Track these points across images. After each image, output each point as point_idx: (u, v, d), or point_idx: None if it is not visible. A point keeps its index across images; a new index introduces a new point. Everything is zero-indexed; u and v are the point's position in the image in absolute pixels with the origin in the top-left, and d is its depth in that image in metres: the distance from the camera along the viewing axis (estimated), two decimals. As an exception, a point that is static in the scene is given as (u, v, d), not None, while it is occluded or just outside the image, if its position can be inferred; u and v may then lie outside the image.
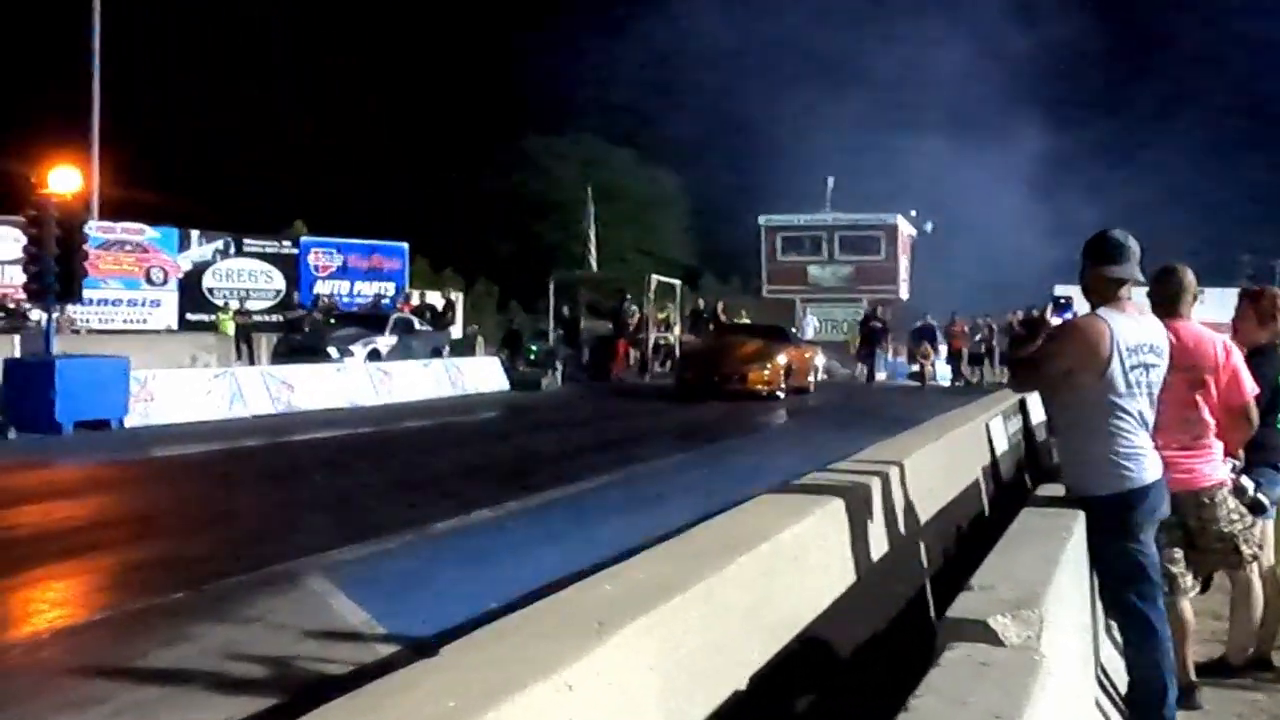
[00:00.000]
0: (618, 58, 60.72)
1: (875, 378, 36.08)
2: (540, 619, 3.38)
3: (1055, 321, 5.83)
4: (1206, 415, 6.22)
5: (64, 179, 17.37)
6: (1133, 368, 5.36)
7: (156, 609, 7.47)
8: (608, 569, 4.02)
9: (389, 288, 39.36)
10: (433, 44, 62.77)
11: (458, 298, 39.61)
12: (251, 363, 29.07)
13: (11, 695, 5.89)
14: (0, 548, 9.28)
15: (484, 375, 27.70)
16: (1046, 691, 3.08)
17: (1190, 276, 6.46)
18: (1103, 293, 5.48)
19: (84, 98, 34.08)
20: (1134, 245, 5.50)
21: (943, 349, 36.20)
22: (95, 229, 29.62)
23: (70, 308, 24.14)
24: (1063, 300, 5.90)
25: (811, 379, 28.79)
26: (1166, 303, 6.37)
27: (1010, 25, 56.06)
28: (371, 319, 30.05)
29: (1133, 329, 5.40)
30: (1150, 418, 5.48)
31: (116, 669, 6.26)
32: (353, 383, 23.32)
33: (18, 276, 22.42)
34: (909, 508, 6.88)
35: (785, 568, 4.71)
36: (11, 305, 28.43)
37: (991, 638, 3.48)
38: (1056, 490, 6.07)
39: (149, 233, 34.74)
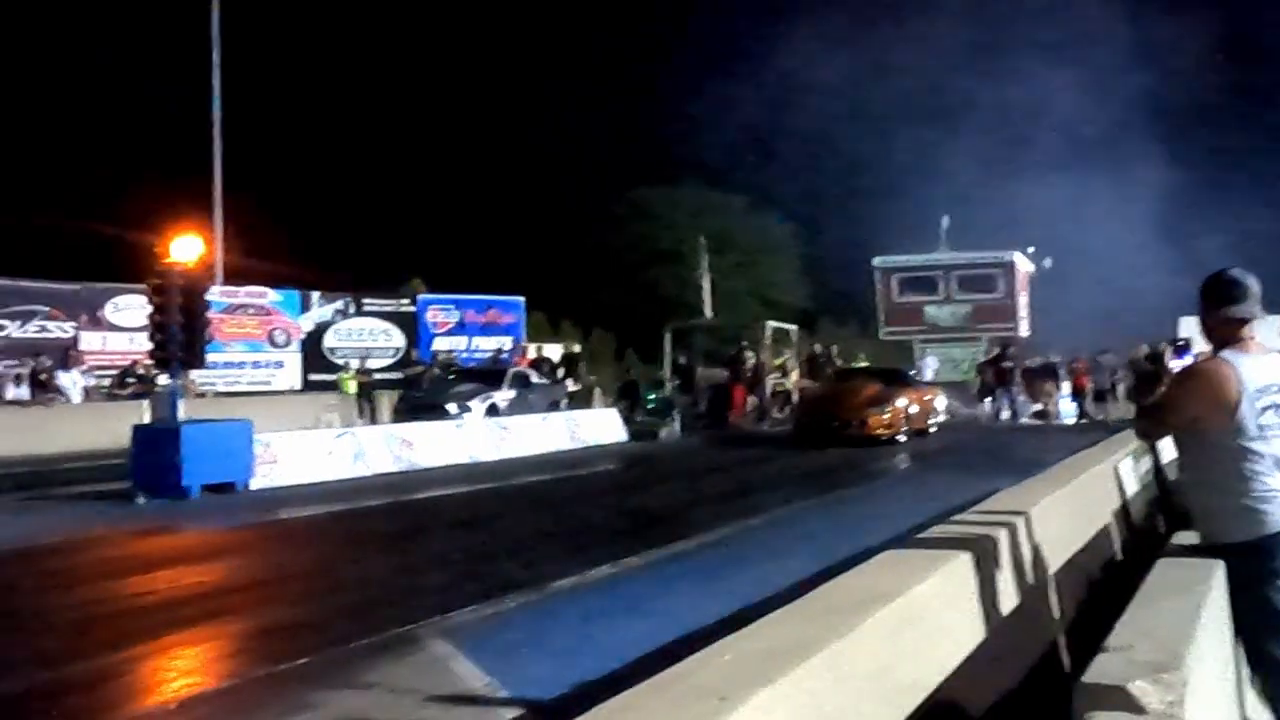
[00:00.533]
0: (725, 105, 60.81)
1: (1015, 416, 35.49)
2: (662, 693, 3.29)
3: (1175, 364, 5.65)
4: None
5: (186, 247, 17.71)
6: (1263, 409, 5.15)
7: (281, 675, 7.51)
8: (728, 637, 3.91)
9: (506, 342, 39.61)
10: (543, 100, 63.42)
11: (578, 350, 39.61)
12: (373, 421, 29.36)
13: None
14: (132, 615, 9.42)
15: (602, 427, 27.71)
16: (1194, 764, 2.92)
17: None
18: (1225, 334, 5.29)
19: (205, 166, 34.91)
20: (1254, 283, 5.32)
21: (1065, 386, 35.53)
22: (219, 293, 30.28)
23: (195, 371, 24.56)
24: (1181, 343, 5.75)
25: (932, 421, 28.42)
26: None
27: (1128, 58, 55.20)
28: (489, 374, 30.19)
29: (1259, 369, 5.20)
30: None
31: (242, 738, 6.29)
32: (472, 438, 23.45)
33: (145, 343, 22.92)
34: (1037, 558, 6.68)
35: (912, 628, 4.56)
36: (140, 371, 29.04)
37: (1132, 705, 3.31)
38: (1192, 538, 5.85)
39: (271, 295, 35.39)
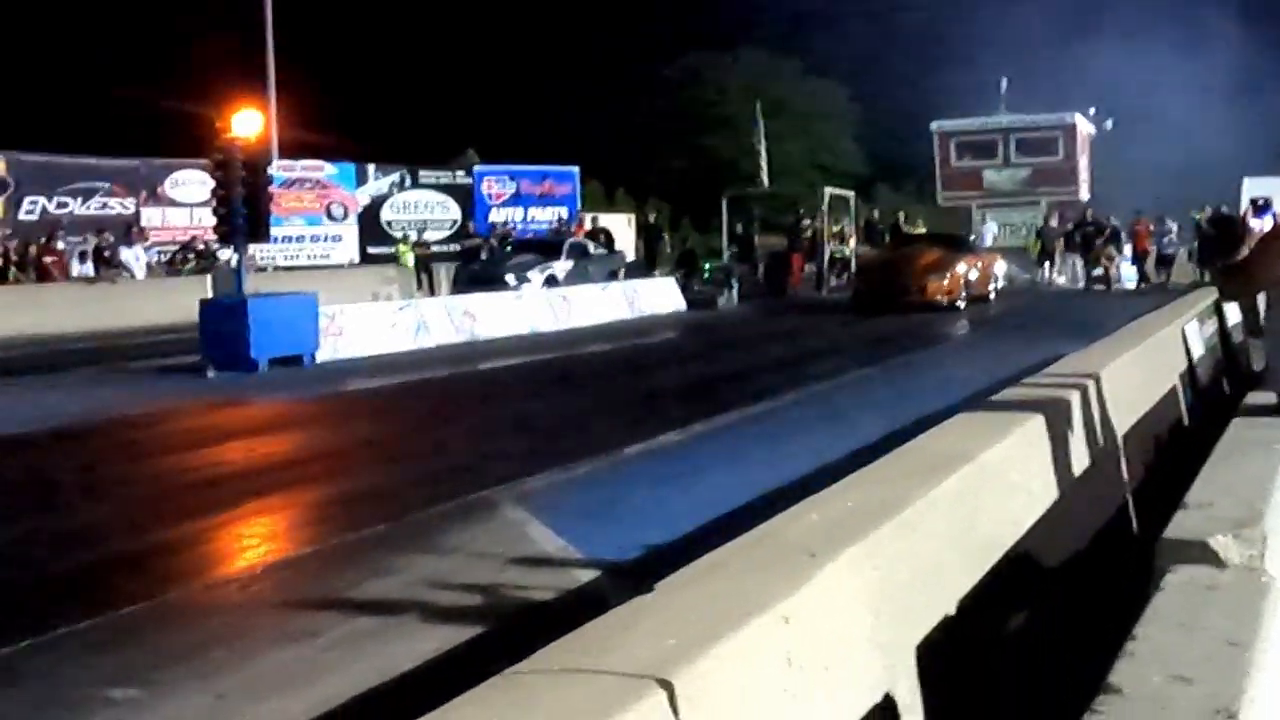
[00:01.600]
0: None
1: (1075, 281, 35.26)
2: (751, 552, 3.38)
3: (1255, 224, 5.63)
4: None
5: (246, 122, 17.75)
6: (1348, 268, 5.15)
7: (361, 542, 7.68)
8: (812, 497, 3.99)
9: (563, 212, 39.55)
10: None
11: (654, 219, 38.98)
12: (432, 293, 29.51)
13: (229, 630, 6.13)
14: (209, 485, 9.63)
15: (661, 296, 27.74)
16: (1278, 615, 2.99)
17: None
18: (1310, 195, 5.26)
19: (259, 40, 34.80)
20: None
21: (1127, 249, 35.14)
22: (277, 168, 30.31)
23: (255, 246, 24.70)
24: (1261, 202, 5.68)
25: (992, 287, 28.25)
26: None
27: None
28: (547, 245, 30.20)
29: (1345, 228, 5.18)
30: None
31: (326, 601, 6.46)
32: (533, 309, 23.56)
33: (206, 218, 23.05)
34: (1106, 420, 6.72)
35: (988, 488, 4.64)
36: (201, 246, 29.32)
37: (1213, 559, 3.39)
38: (1266, 398, 5.88)
39: (328, 169, 35.44)
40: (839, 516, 3.71)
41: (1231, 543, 3.45)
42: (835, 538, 3.44)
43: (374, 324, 19.73)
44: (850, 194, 38.05)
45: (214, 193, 18.09)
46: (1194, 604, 2.93)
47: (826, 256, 33.89)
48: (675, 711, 2.44)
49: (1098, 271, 34.24)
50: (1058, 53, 51.19)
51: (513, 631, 5.92)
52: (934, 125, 45.20)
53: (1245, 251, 5.45)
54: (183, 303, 20.35)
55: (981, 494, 4.57)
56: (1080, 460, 6.00)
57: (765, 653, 2.81)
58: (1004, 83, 45.07)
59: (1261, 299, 5.85)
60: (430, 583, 6.66)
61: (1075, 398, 6.19)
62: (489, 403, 14.37)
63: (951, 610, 4.01)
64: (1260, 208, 5.68)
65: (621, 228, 39.72)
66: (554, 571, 6.83)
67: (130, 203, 31.25)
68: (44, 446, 11.45)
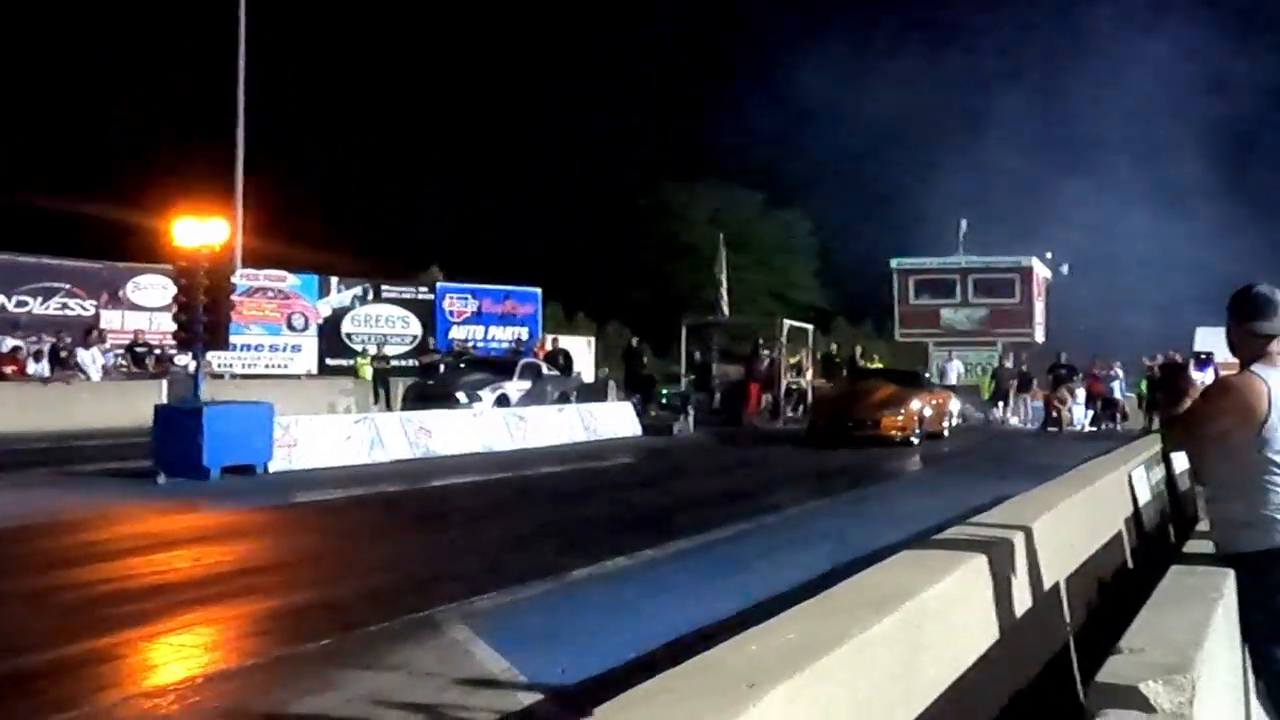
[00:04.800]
0: (750, 105, 61.03)
1: (1029, 423, 35.78)
2: (689, 680, 3.42)
3: (1197, 377, 5.74)
4: None
5: (212, 231, 17.84)
6: (1290, 424, 5.27)
7: (303, 656, 7.64)
8: (753, 629, 4.04)
9: (523, 333, 39.75)
10: (567, 93, 63.51)
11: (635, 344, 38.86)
12: (389, 407, 29.51)
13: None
14: (154, 593, 9.56)
15: (616, 420, 27.85)
16: (1202, 762, 3.05)
17: None
18: (1252, 349, 5.40)
19: (226, 151, 35.10)
20: None
21: (1080, 393, 35.60)
22: (240, 276, 30.42)
23: (214, 353, 24.69)
24: (1204, 355, 5.81)
25: (946, 425, 28.50)
26: None
27: (1143, 67, 55.15)
28: (501, 364, 30.32)
29: (1287, 385, 5.32)
30: (1305, 473, 5.39)
31: (265, 715, 6.44)
32: (488, 428, 23.60)
33: (165, 323, 23.06)
34: (1051, 562, 6.79)
35: (929, 626, 4.69)
36: (158, 351, 29.30)
37: (1143, 704, 3.44)
38: (1205, 547, 5.98)
39: (290, 280, 35.55)
40: (779, 648, 3.75)
41: (1161, 689, 3.51)
42: (775, 669, 3.48)
43: (329, 436, 19.72)
44: (809, 326, 38.46)
45: (175, 299, 18.14)
46: (1122, 750, 2.99)
47: (783, 387, 34.13)
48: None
49: (1052, 414, 34.62)
50: (1015, 198, 52.16)
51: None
52: (894, 263, 45.87)
53: (1188, 404, 5.56)
54: (138, 406, 20.38)
55: (923, 631, 4.62)
56: (1023, 601, 6.06)
57: (699, 783, 2.84)
58: (963, 224, 45.84)
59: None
60: (372, 700, 6.62)
61: (1019, 539, 6.26)
62: (439, 520, 14.35)
63: (889, 747, 4.05)
64: (1202, 361, 5.80)
65: (581, 350, 39.97)
66: (496, 693, 6.81)
67: (90, 304, 31.23)
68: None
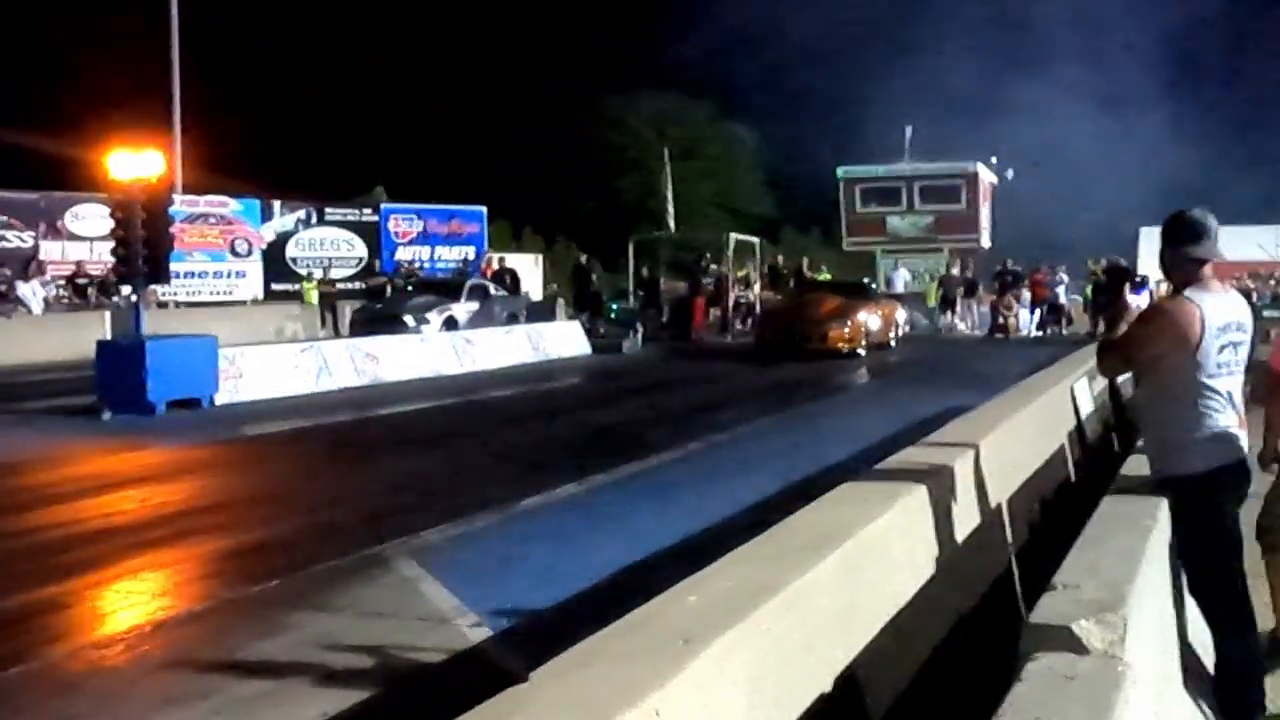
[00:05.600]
0: (694, 11, 60.45)
1: (976, 329, 36.08)
2: (628, 637, 3.44)
3: (1133, 300, 5.77)
4: None
5: (148, 162, 17.55)
6: (1222, 347, 5.32)
7: (253, 598, 7.65)
8: (692, 577, 4.06)
9: (469, 252, 39.55)
10: (508, 6, 62.70)
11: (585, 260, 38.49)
12: (336, 331, 29.36)
13: (114, 692, 6.06)
14: (100, 536, 9.50)
15: (566, 340, 27.80)
16: (1130, 704, 3.10)
17: None
18: (1186, 273, 5.43)
19: (164, 77, 34.55)
20: (1213, 223, 5.45)
21: (1025, 296, 35.83)
22: (180, 202, 30.12)
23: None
24: (1139, 279, 5.85)
25: (893, 335, 28.61)
26: None
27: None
28: (448, 286, 30.12)
29: (1220, 308, 5.35)
30: (1238, 396, 5.45)
31: (216, 662, 6.42)
32: (436, 352, 23.51)
33: (106, 253, 22.79)
34: (993, 483, 6.87)
35: (870, 563, 4.74)
36: (100, 281, 28.99)
37: (1076, 645, 3.49)
38: (1142, 467, 6.04)
39: (232, 205, 35.19)
40: (717, 598, 3.78)
41: (1094, 628, 3.55)
42: (712, 621, 3.50)
43: (275, 366, 19.58)
44: (755, 240, 38.41)
45: (113, 232, 17.86)
46: (1051, 696, 3.03)
47: (731, 301, 34.16)
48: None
49: (999, 320, 34.86)
50: (963, 103, 52.15)
51: (402, 695, 5.94)
52: (840, 171, 45.82)
53: (1123, 328, 5.60)
54: (81, 338, 20.14)
55: (863, 569, 4.66)
56: (964, 526, 6.13)
57: (636, 746, 2.86)
58: (909, 131, 45.81)
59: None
60: (321, 643, 6.63)
61: (961, 463, 6.32)
62: (388, 450, 14.28)
63: (829, 688, 4.09)
64: (1137, 284, 5.84)
65: (528, 267, 39.85)
66: (447, 632, 6.83)
67: (29, 236, 30.83)
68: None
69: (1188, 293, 5.36)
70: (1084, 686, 3.11)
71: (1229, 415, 5.42)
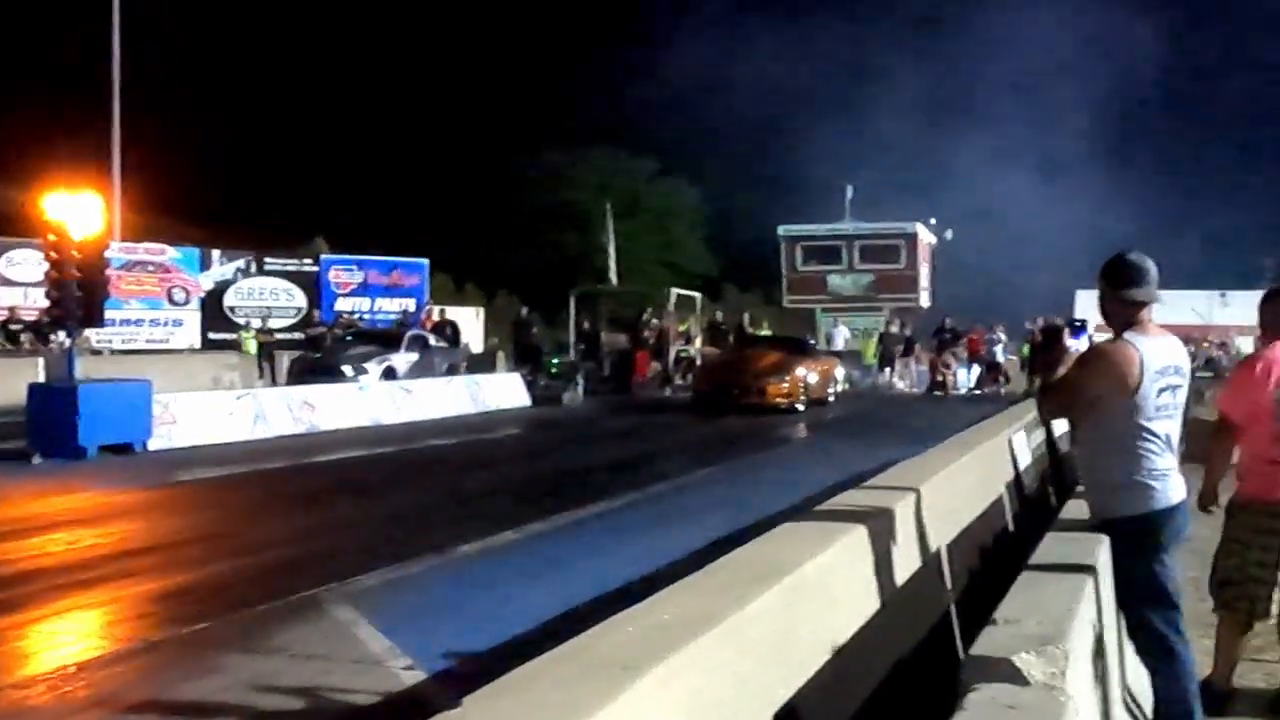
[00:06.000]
0: (639, 71, 60.93)
1: (914, 386, 36.24)
2: (563, 664, 3.37)
3: (1072, 344, 5.80)
4: None
5: (85, 204, 17.35)
6: (1160, 390, 5.35)
7: (183, 640, 7.51)
8: (630, 609, 4.01)
9: (410, 304, 39.37)
10: (451, 60, 62.91)
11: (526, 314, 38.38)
12: (274, 381, 29.08)
13: (39, 733, 5.92)
14: (28, 578, 9.32)
15: (505, 391, 27.70)
16: (1073, 734, 3.07)
17: None
18: (1124, 316, 5.46)
19: (104, 122, 34.35)
20: (1152, 266, 5.49)
21: (964, 354, 36.11)
22: (117, 249, 29.80)
23: (91, 329, 24.14)
24: (1078, 323, 5.88)
25: (831, 391, 28.68)
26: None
27: (1035, 36, 56.02)
28: (387, 337, 29.97)
29: (1159, 351, 5.39)
30: (1175, 439, 5.48)
31: (142, 703, 6.29)
32: (374, 401, 23.35)
33: (41, 299, 22.50)
34: (932, 529, 6.85)
35: (809, 599, 4.69)
36: (16, 327, 28.68)
37: (1017, 677, 3.46)
38: (1081, 511, 6.05)
39: (170, 253, 34.89)
40: (656, 627, 3.72)
41: (1035, 660, 3.53)
42: (650, 650, 3.44)
43: (210, 412, 19.39)
44: (697, 295, 38.54)
45: (47, 275, 17.65)
46: (994, 724, 3.00)
47: (672, 355, 34.19)
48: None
49: (937, 378, 35.09)
50: (903, 165, 52.78)
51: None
52: (781, 230, 46.23)
53: (1063, 371, 5.62)
54: (13, 385, 19.80)
55: (803, 605, 4.62)
56: (905, 569, 6.10)
57: (571, 772, 2.80)
58: (849, 191, 46.28)
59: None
60: (252, 685, 6.50)
61: (902, 506, 6.30)
62: (323, 497, 14.13)
63: (768, 721, 4.04)
64: (1076, 328, 5.87)
65: (470, 320, 39.74)
66: (380, 674, 6.72)
67: (-39, 280, 30.44)
68: None
69: (1127, 335, 5.40)
70: (1026, 716, 3.07)
71: (1167, 458, 5.45)
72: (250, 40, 54.84)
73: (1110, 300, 5.52)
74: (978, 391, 34.78)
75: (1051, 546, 5.38)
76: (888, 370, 37.09)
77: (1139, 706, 5.57)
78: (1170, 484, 5.45)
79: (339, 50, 59.14)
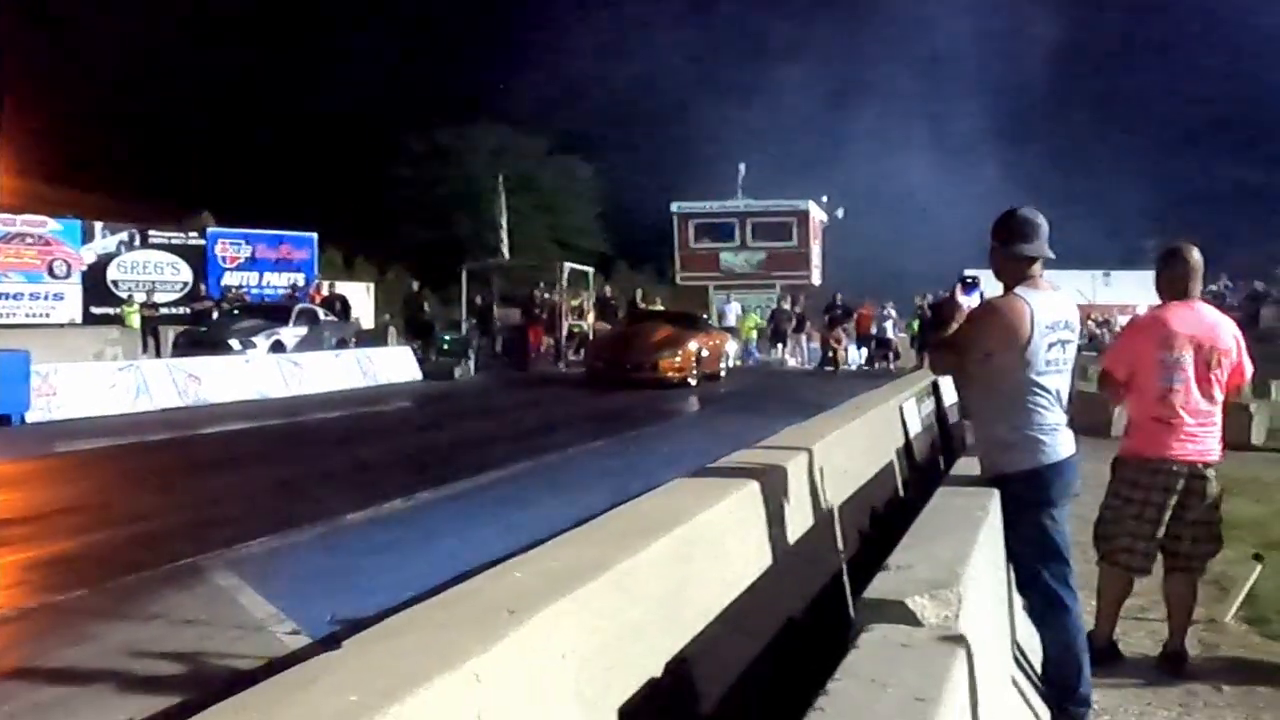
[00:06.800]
0: (530, 46, 60.56)
1: (805, 362, 36.50)
2: (449, 608, 3.27)
3: (964, 300, 5.78)
4: (1219, 393, 6.37)
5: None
6: (1051, 345, 5.36)
7: (58, 607, 7.28)
8: (517, 557, 3.91)
9: (299, 278, 38.80)
10: (341, 33, 62.08)
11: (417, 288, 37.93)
12: (159, 356, 28.52)
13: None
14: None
15: (396, 365, 27.47)
16: (966, 671, 3.03)
17: (1197, 256, 6.55)
18: (1015, 272, 5.46)
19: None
20: (1043, 222, 5.50)
21: (853, 330, 36.43)
22: (-3, 221, 29.09)
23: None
24: (970, 279, 5.86)
25: (723, 366, 28.74)
26: (1176, 284, 6.49)
27: (933, 16, 56.57)
28: (275, 310, 29.56)
29: (1050, 306, 5.40)
30: (1065, 394, 5.49)
31: (16, 670, 6.08)
32: (262, 374, 22.99)
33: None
34: (824, 490, 6.84)
35: (701, 552, 4.63)
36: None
37: (910, 618, 3.42)
38: (972, 469, 6.06)
39: (51, 225, 34.02)
40: (543, 574, 3.63)
41: (927, 603, 3.49)
42: (538, 595, 3.35)
43: (91, 384, 18.95)
44: (590, 270, 38.46)
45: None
46: (886, 661, 2.94)
47: (565, 330, 34.10)
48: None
49: (829, 354, 35.36)
50: (796, 142, 52.99)
51: (210, 700, 5.64)
52: (674, 207, 46.24)
53: (954, 328, 5.61)
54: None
55: (695, 557, 4.55)
56: (797, 527, 6.06)
57: (453, 711, 2.69)
58: (742, 168, 46.39)
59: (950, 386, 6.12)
60: (129, 651, 6.31)
61: (792, 467, 6.26)
62: (207, 467, 13.86)
63: (659, 673, 3.96)
64: (968, 285, 5.85)
65: (360, 296, 39.31)
66: (262, 639, 6.56)
67: None
68: None
69: (1018, 290, 5.40)
70: (919, 654, 3.03)
71: (1057, 413, 5.47)
72: (136, 8, 53.62)
73: (1001, 256, 5.52)
74: (868, 368, 35.10)
75: (943, 500, 5.37)
76: (779, 346, 37.30)
77: (1029, 661, 5.59)
78: (1060, 439, 5.46)
79: (227, 21, 58.10)
